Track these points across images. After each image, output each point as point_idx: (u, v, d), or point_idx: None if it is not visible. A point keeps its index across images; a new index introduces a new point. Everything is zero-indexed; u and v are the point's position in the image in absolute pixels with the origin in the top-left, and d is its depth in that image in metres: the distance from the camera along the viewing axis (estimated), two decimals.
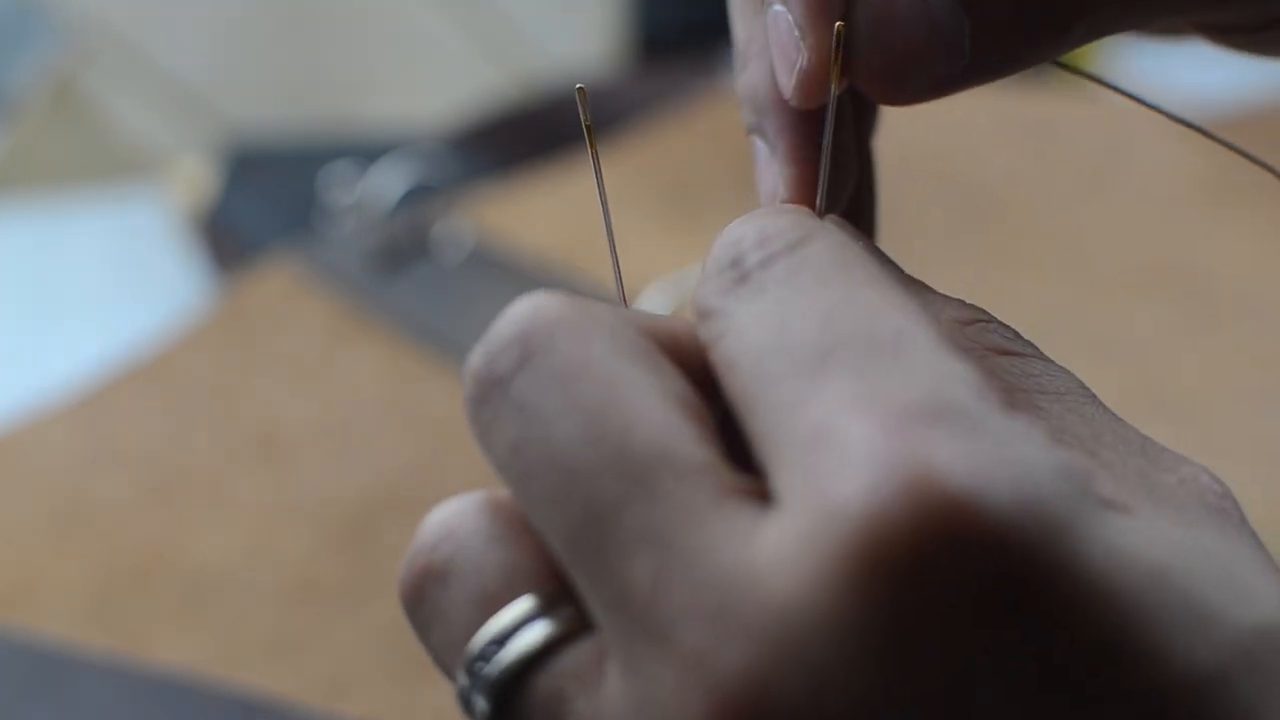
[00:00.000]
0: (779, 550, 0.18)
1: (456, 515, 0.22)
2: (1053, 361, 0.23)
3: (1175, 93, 0.78)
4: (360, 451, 0.53)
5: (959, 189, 0.69)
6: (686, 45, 0.92)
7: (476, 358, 0.21)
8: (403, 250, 0.64)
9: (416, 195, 0.65)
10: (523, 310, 0.21)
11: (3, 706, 0.44)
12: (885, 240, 0.29)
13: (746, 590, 0.18)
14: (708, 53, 0.89)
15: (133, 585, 0.48)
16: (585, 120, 0.25)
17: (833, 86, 0.25)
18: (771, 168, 0.27)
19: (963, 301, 0.24)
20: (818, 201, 0.26)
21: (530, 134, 0.77)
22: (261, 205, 0.72)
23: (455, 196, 0.67)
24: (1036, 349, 0.24)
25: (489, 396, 0.21)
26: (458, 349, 0.58)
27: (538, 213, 0.68)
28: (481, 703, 0.20)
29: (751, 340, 0.21)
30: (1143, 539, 0.19)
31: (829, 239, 0.22)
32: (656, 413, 0.20)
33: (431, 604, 0.21)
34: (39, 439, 0.55)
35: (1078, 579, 0.18)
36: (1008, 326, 0.24)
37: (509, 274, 0.63)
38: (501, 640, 0.20)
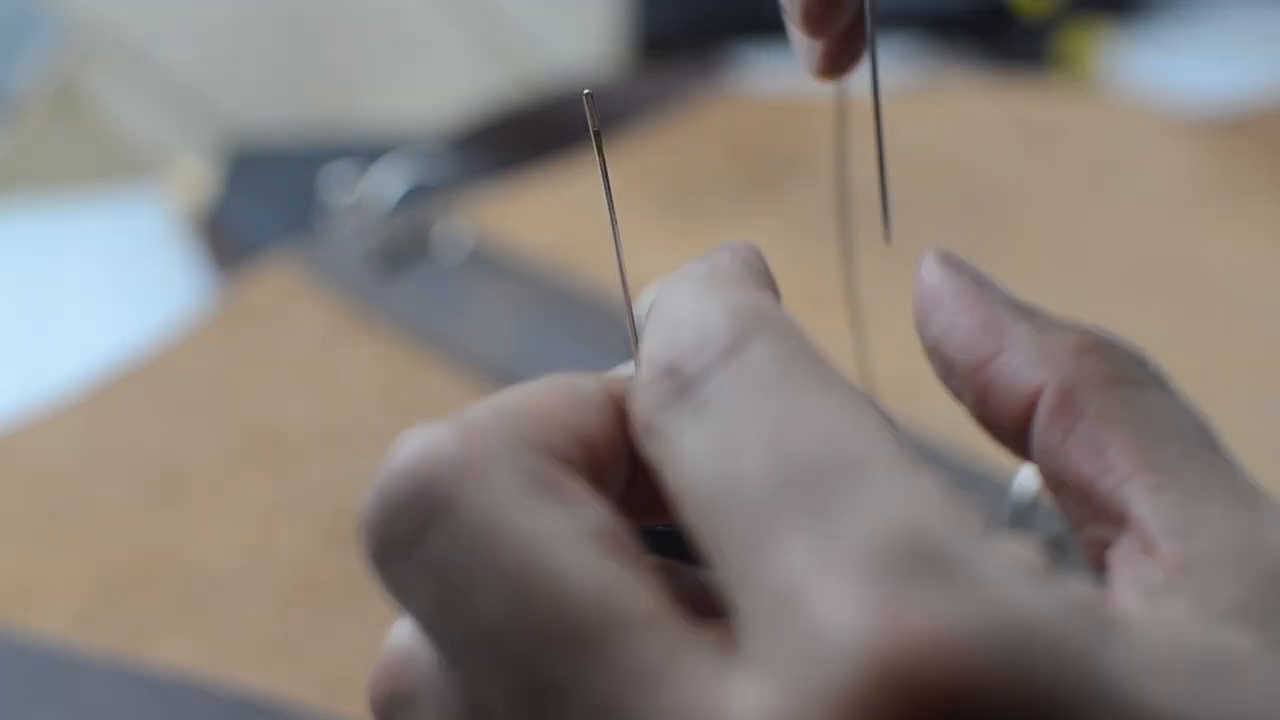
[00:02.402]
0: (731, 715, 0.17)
1: (418, 637, 0.21)
2: (1174, 393, 0.23)
3: (1175, 93, 0.78)
4: (360, 451, 0.53)
5: (959, 189, 0.69)
6: (686, 45, 0.92)
7: (372, 511, 0.20)
8: (403, 250, 0.64)
9: (416, 195, 0.65)
10: (413, 458, 0.20)
11: (3, 706, 0.44)
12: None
13: None
14: (708, 53, 0.89)
15: (133, 585, 0.48)
16: (593, 126, 0.24)
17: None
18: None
19: (1079, 326, 0.24)
20: (882, 209, 0.27)
21: (530, 134, 0.77)
22: (261, 205, 0.72)
23: (455, 196, 0.67)
24: (1159, 377, 0.23)
25: (391, 558, 0.19)
26: (458, 349, 0.58)
27: (538, 213, 0.68)
28: None
29: (697, 473, 0.19)
30: (1171, 677, 0.18)
31: (768, 340, 0.20)
32: (585, 565, 0.19)
33: None
34: (39, 439, 0.55)
35: None
36: (1130, 350, 0.23)
37: (509, 274, 0.63)
38: None
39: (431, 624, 0.19)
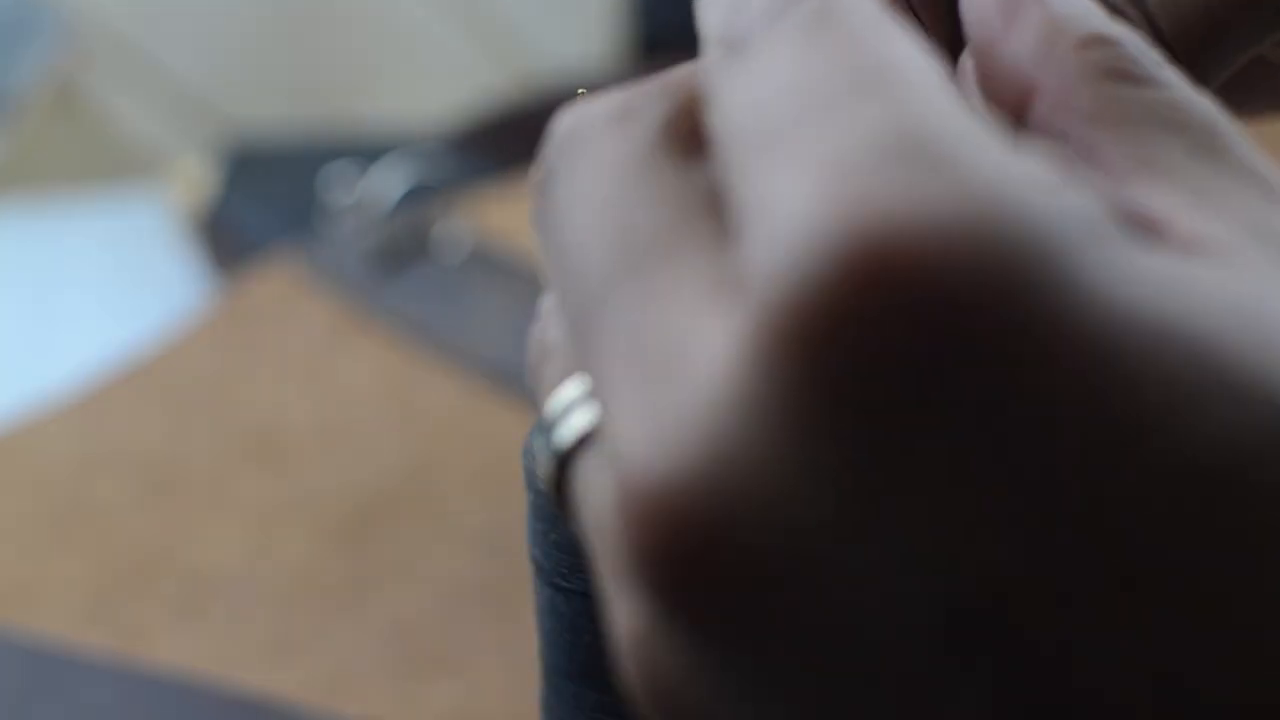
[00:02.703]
0: (714, 334, 0.17)
1: None
2: (1184, 89, 0.20)
3: None
4: (360, 451, 0.53)
5: None
6: (686, 45, 0.92)
7: (533, 173, 0.21)
8: (403, 250, 0.64)
9: (416, 195, 0.65)
10: (567, 116, 0.21)
11: (3, 706, 0.44)
12: None
13: (681, 380, 0.17)
14: None
15: (133, 585, 0.48)
16: None
17: None
18: None
19: (1097, 18, 0.21)
20: None
21: (531, 134, 0.77)
22: (261, 205, 0.72)
23: (455, 196, 0.67)
24: (1168, 73, 0.20)
25: (535, 198, 0.21)
26: (458, 349, 0.58)
27: None
28: (548, 465, 0.20)
29: (733, 111, 0.18)
30: (1179, 293, 0.16)
31: None
32: (659, 210, 0.19)
33: (538, 379, 0.22)
34: (39, 439, 0.55)
35: (1051, 338, 0.15)
36: (1139, 44, 0.20)
37: (509, 275, 0.63)
38: (563, 415, 0.20)
39: (548, 267, 0.20)
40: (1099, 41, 0.20)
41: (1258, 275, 0.17)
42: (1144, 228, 0.18)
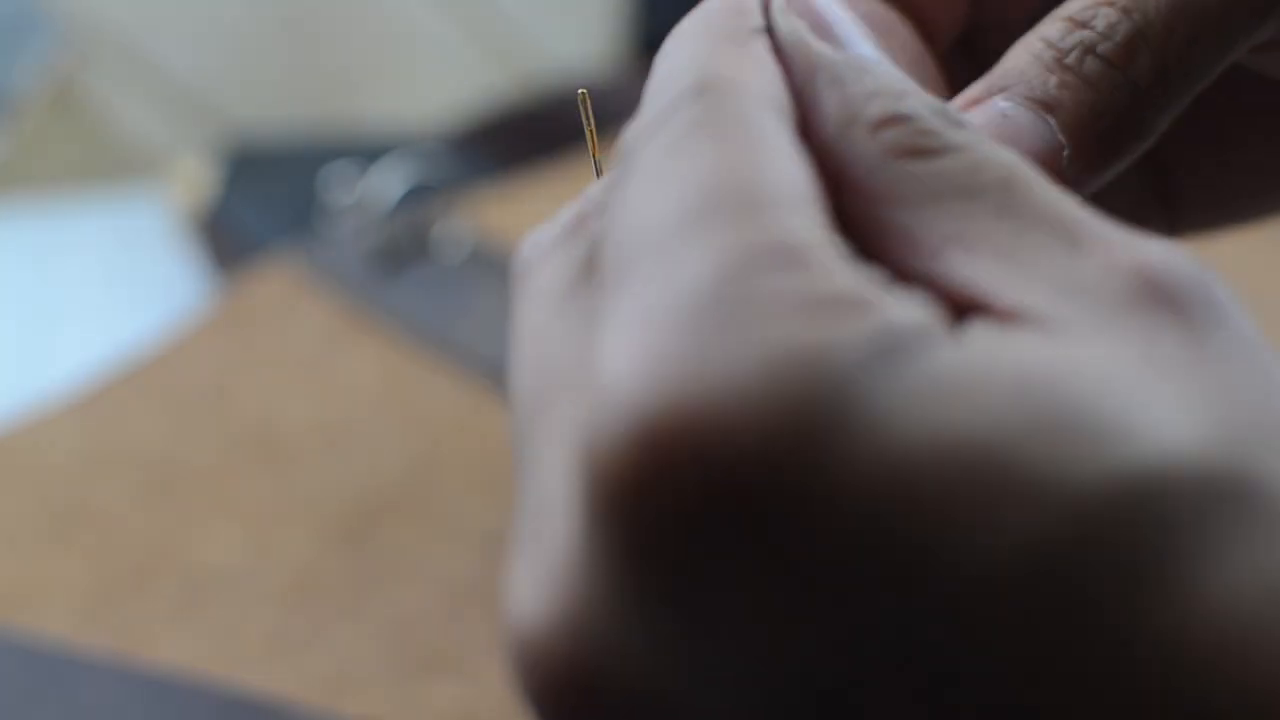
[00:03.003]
0: (564, 487, 0.18)
1: None
2: (984, 143, 0.20)
3: None
4: (360, 451, 0.53)
5: None
6: None
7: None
8: (403, 250, 0.64)
9: (416, 195, 0.65)
10: (531, 235, 0.22)
11: (3, 706, 0.44)
12: None
13: (544, 534, 0.18)
14: None
15: (133, 585, 0.48)
16: (589, 126, 0.25)
17: None
18: None
19: (883, 90, 0.20)
20: None
21: (530, 134, 0.77)
22: (261, 205, 0.72)
23: (455, 196, 0.67)
24: (970, 134, 0.20)
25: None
26: (458, 349, 0.58)
27: (538, 213, 0.68)
28: None
29: (602, 238, 0.20)
30: (968, 400, 0.16)
31: (697, 108, 0.19)
32: (570, 346, 0.19)
33: None
34: (39, 439, 0.55)
35: (825, 486, 0.16)
36: (941, 112, 0.20)
37: (509, 275, 0.63)
38: None
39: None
40: (891, 121, 0.20)
41: (1067, 345, 0.17)
42: (966, 309, 0.18)
